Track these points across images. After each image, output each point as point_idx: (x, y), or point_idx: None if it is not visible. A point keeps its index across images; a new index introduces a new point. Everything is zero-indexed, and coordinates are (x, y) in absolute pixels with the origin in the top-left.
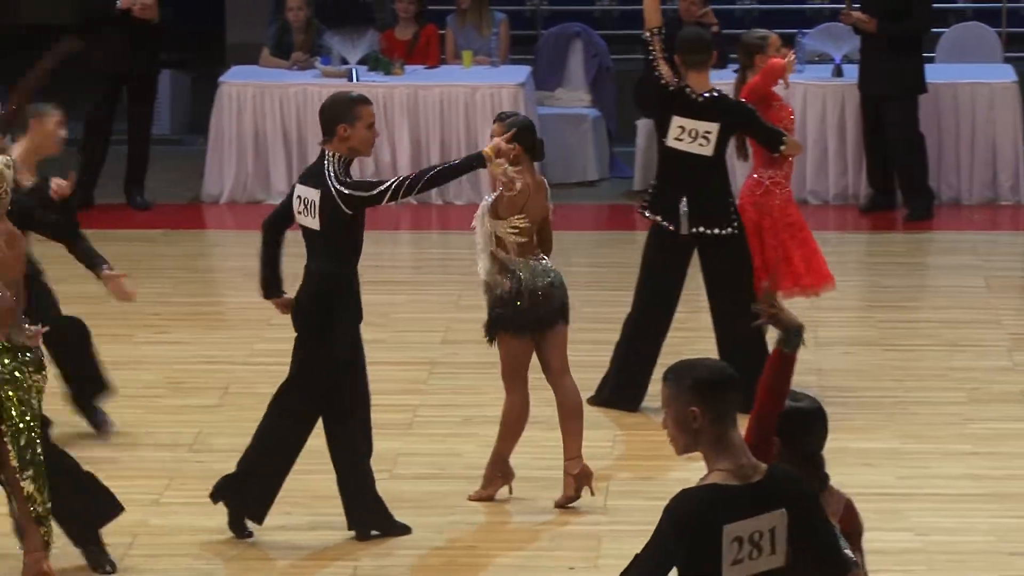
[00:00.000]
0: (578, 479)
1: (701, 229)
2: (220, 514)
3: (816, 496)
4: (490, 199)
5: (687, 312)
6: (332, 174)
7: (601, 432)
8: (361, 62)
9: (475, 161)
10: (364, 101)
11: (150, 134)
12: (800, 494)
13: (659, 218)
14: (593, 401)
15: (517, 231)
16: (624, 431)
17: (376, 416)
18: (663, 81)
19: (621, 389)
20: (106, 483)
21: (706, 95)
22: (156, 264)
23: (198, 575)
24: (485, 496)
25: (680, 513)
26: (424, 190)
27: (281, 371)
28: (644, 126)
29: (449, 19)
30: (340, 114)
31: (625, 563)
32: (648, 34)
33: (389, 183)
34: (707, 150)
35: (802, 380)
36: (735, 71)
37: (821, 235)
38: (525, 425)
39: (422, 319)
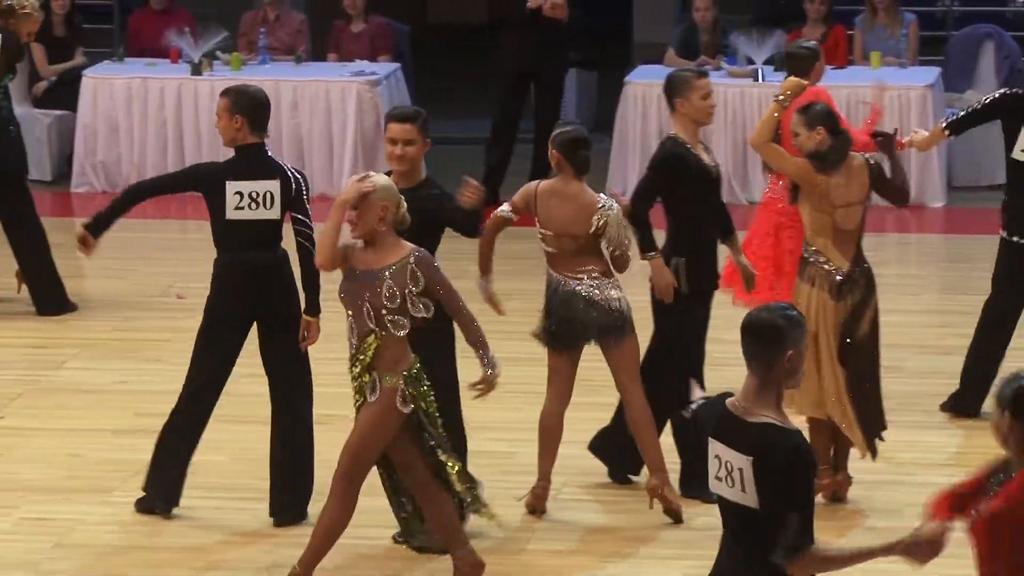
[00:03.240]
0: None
1: None
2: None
3: (791, 466)
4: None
5: None
6: None
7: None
8: (767, 62)
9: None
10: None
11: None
12: (768, 452)
13: (1006, 233)
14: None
15: (540, 237)
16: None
17: None
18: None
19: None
20: (503, 477)
21: None
22: None
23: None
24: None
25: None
26: None
27: None
28: None
29: (858, 20)
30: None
31: None
32: None
33: None
34: None
35: None
36: None
37: None
38: None
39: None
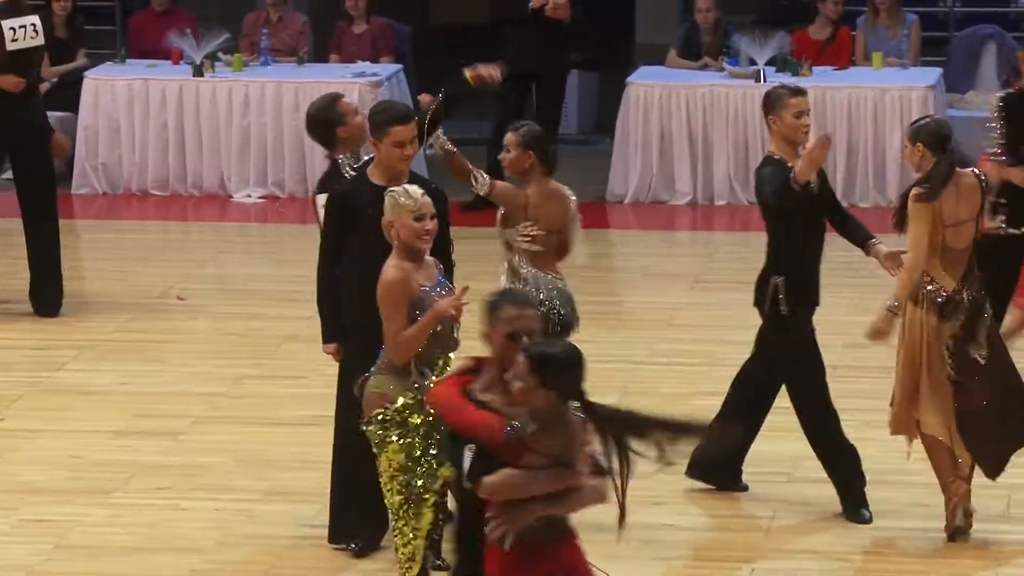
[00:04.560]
0: None
1: None
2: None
3: None
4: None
5: None
6: None
7: None
8: (769, 63)
9: None
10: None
11: (558, 133)
12: None
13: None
14: None
15: (528, 240)
16: None
17: (774, 419)
18: None
19: None
20: None
21: None
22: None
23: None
24: None
25: None
26: None
27: (682, 371)
28: None
29: (859, 20)
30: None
31: None
32: None
33: None
34: None
35: None
36: None
37: None
38: None
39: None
